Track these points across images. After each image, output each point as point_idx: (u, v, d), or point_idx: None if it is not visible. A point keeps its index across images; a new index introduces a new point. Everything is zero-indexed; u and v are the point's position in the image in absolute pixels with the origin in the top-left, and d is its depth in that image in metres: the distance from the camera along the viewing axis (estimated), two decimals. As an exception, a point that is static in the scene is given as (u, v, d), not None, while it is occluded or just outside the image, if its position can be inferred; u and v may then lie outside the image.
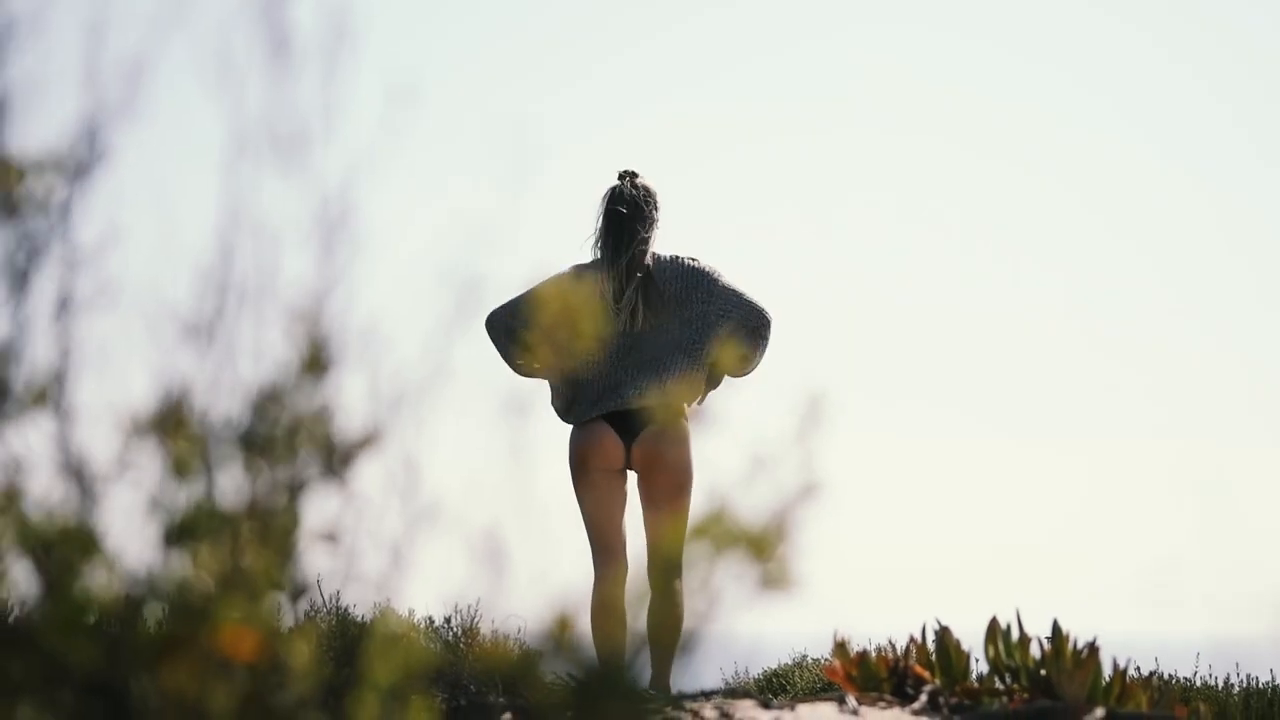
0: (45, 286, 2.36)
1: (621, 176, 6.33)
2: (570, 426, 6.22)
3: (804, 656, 8.69)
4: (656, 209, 6.29)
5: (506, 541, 2.20)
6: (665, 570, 5.95)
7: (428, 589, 2.37)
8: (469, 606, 7.05)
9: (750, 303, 6.26)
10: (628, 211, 6.24)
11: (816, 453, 2.06)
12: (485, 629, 7.05)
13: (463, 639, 6.95)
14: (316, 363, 2.23)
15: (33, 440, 2.35)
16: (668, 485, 6.13)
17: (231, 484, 2.27)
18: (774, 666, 8.78)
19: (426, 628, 7.08)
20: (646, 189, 6.31)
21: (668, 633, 5.84)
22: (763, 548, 2.06)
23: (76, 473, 2.32)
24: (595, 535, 6.13)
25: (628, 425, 6.17)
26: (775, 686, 8.53)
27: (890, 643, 4.68)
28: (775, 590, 2.08)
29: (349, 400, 2.28)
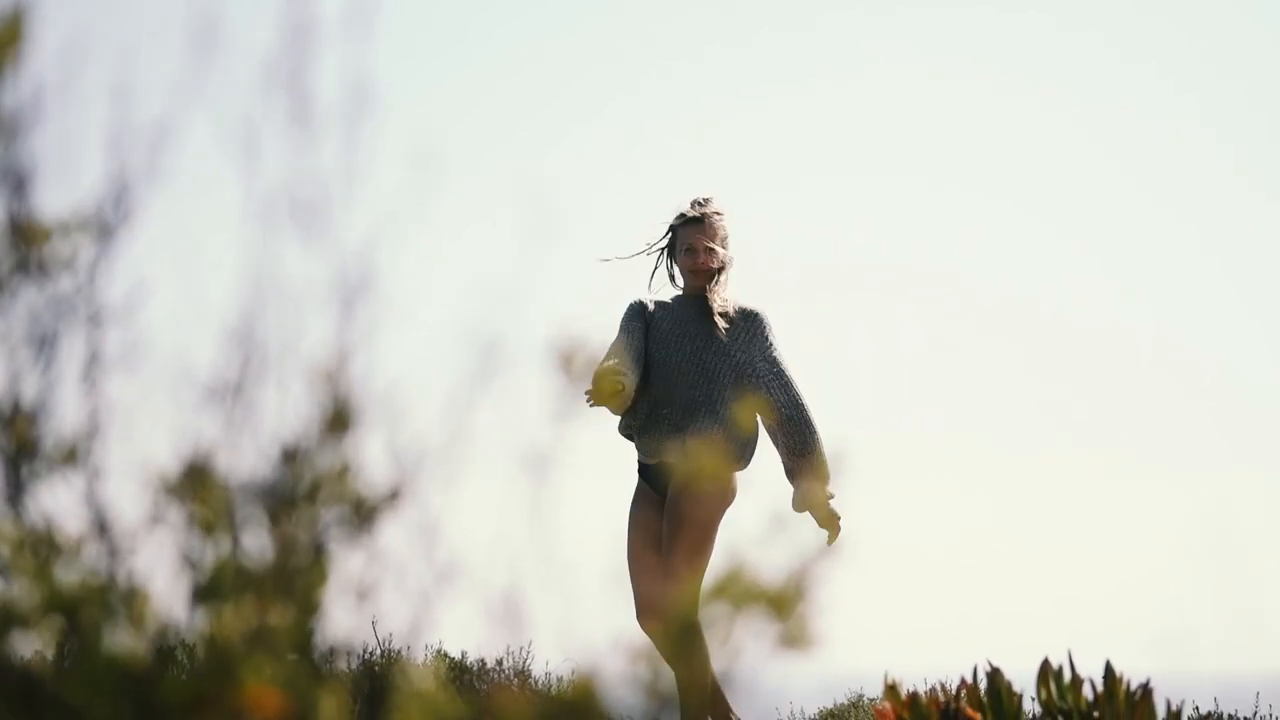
0: (73, 346, 2.38)
1: (694, 204, 6.37)
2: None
3: (860, 696, 8.66)
4: (725, 236, 6.30)
5: (526, 600, 2.20)
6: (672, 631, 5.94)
7: (471, 632, 2.37)
8: (520, 649, 7.06)
9: (793, 395, 6.19)
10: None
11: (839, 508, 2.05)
12: (538, 671, 7.06)
13: (514, 680, 6.95)
14: (339, 420, 2.24)
15: (63, 498, 2.37)
16: (676, 537, 6.12)
17: (256, 542, 2.28)
18: (830, 706, 8.76)
19: (478, 670, 7.09)
20: (717, 213, 6.33)
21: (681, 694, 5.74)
22: (782, 606, 2.06)
23: (105, 530, 2.34)
24: (632, 555, 6.14)
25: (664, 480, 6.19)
26: (831, 727, 8.51)
27: (941, 685, 4.66)
28: (794, 649, 2.08)
29: (371, 460, 2.29)
